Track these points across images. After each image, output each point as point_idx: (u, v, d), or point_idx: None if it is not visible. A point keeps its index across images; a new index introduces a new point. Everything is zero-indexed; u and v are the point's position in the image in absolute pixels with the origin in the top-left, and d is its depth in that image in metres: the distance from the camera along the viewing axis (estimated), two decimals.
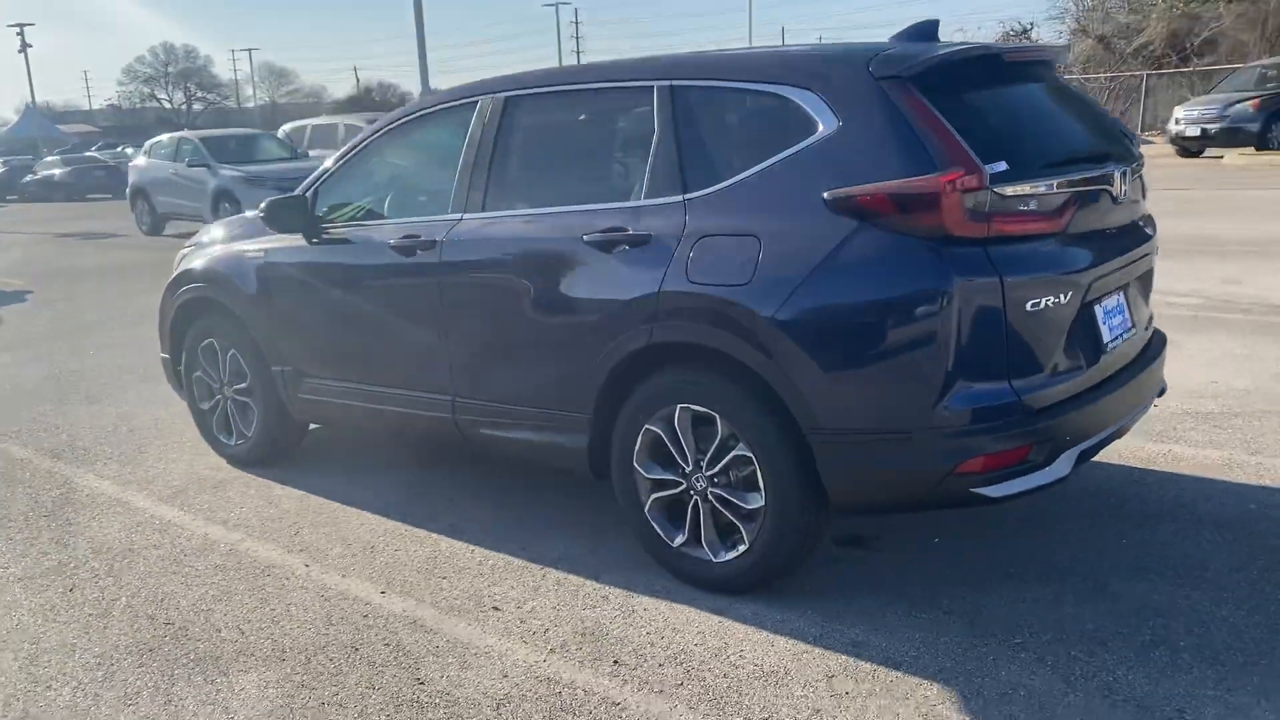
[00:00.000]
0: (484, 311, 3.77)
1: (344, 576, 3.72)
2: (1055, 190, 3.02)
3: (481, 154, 3.84)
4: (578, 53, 73.20)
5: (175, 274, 5.04)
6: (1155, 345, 3.65)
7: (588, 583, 3.54)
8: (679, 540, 3.41)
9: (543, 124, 3.87)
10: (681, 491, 3.39)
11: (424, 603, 3.48)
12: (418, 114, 4.24)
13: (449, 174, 3.96)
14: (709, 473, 3.29)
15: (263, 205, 4.37)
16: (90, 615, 3.54)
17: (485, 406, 3.86)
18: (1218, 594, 3.21)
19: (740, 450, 3.19)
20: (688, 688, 2.87)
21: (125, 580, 3.79)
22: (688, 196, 3.26)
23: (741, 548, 3.27)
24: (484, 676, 3.00)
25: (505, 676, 2.99)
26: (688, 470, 3.35)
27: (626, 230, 3.36)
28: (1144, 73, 27.60)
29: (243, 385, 4.84)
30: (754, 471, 3.19)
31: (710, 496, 3.31)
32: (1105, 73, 28.51)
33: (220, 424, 5.03)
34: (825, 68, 3.13)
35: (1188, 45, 27.97)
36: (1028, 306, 2.92)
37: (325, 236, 4.34)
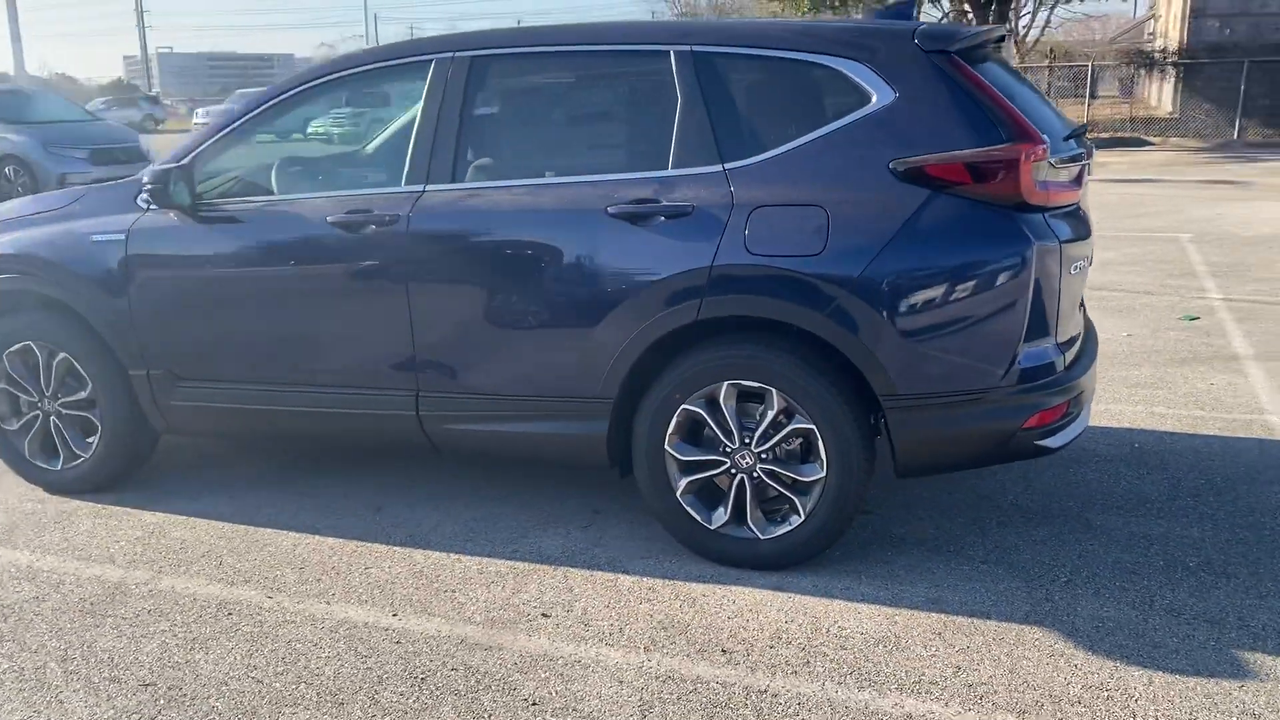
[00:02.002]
0: (471, 292, 3.40)
1: (328, 604, 3.21)
2: (1078, 163, 3.30)
3: (445, 120, 3.46)
4: (145, 26, 66.85)
5: None
6: (1087, 317, 4.06)
7: (620, 576, 3.34)
8: (718, 521, 3.31)
9: (528, 89, 3.57)
10: (722, 471, 3.29)
11: (453, 620, 3.10)
12: (335, 76, 3.69)
13: (394, 142, 3.55)
14: (758, 449, 3.22)
15: (146, 177, 3.63)
16: (23, 690, 2.79)
17: (465, 400, 3.49)
18: (1178, 519, 3.66)
19: (799, 423, 3.16)
20: (817, 665, 2.81)
21: (32, 642, 3.02)
22: (728, 166, 3.17)
23: (795, 520, 3.24)
24: (598, 686, 2.74)
25: (621, 682, 2.75)
26: (731, 448, 3.26)
27: (660, 201, 3.19)
28: None
29: (79, 396, 4.00)
30: (810, 444, 3.18)
31: (759, 473, 3.25)
32: None
33: (39, 445, 4.11)
34: (872, 40, 3.17)
35: None
36: (1071, 270, 3.16)
37: (220, 213, 3.70)
